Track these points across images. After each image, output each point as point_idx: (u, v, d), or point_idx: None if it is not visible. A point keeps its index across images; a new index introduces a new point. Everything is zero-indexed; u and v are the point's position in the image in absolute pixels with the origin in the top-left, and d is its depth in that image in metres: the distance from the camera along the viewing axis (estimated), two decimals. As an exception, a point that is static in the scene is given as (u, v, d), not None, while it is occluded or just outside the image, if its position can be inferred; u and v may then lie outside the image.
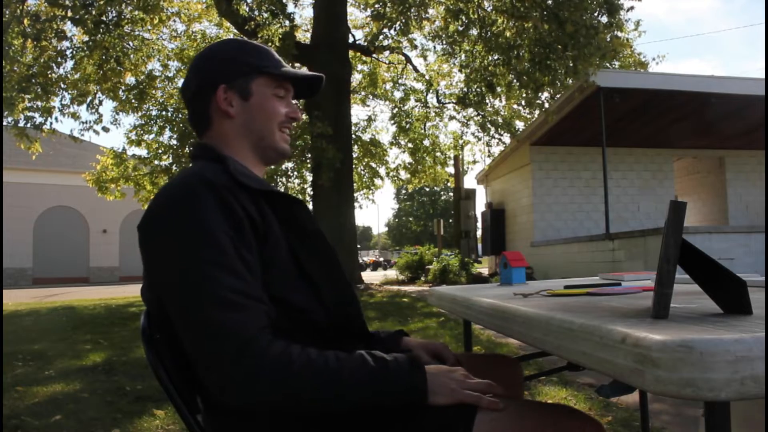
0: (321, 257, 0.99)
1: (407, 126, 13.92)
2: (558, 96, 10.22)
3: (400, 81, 13.93)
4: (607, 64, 8.52)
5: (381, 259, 37.05)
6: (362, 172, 14.87)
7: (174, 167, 10.90)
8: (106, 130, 10.83)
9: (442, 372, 0.89)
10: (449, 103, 13.13)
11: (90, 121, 10.25)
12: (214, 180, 0.91)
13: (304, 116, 11.14)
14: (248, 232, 0.89)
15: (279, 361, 0.80)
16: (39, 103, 9.24)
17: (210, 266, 0.83)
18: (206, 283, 0.82)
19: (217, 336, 0.80)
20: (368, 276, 18.85)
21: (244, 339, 0.80)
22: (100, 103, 10.10)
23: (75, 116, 9.65)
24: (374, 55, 12.25)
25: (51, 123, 9.50)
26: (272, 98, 1.07)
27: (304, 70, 1.14)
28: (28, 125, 9.40)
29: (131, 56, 10.21)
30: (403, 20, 9.48)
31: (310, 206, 9.81)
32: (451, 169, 16.05)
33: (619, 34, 9.14)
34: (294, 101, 1.14)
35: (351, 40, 10.99)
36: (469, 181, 29.21)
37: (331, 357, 0.84)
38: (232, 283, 0.83)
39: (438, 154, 14.85)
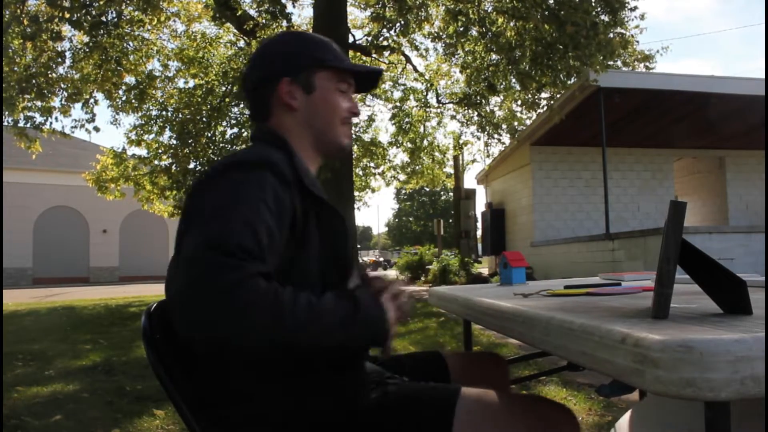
0: (344, 284, 0.98)
1: (407, 126, 13.92)
2: (558, 96, 10.22)
3: (399, 81, 13.92)
4: (611, 62, 8.49)
5: (381, 259, 37.02)
6: (360, 173, 14.87)
7: (174, 167, 10.89)
8: (97, 129, 10.77)
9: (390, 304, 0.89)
10: (449, 103, 13.13)
11: (83, 119, 10.22)
12: (277, 164, 0.90)
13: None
14: (286, 223, 0.88)
15: (266, 296, 0.75)
16: (39, 103, 9.24)
17: (238, 222, 0.80)
18: (227, 233, 0.79)
19: (211, 276, 0.74)
20: (368, 276, 18.83)
21: (233, 282, 0.74)
22: (96, 102, 10.08)
23: (65, 111, 9.58)
24: (374, 55, 12.24)
25: (51, 123, 9.50)
26: (335, 93, 1.08)
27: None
28: (28, 125, 9.39)
29: (131, 56, 10.20)
30: (403, 21, 9.47)
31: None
32: (449, 170, 16.05)
33: (623, 31, 9.10)
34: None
35: (351, 40, 10.99)
36: (469, 181, 29.18)
37: (311, 297, 0.81)
38: (248, 244, 0.78)
39: (437, 154, 14.85)
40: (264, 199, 0.84)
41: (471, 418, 0.87)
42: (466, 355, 1.40)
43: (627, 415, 1.55)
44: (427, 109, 13.46)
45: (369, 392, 0.93)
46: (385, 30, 10.40)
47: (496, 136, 11.96)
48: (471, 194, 16.15)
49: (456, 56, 10.60)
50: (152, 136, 11.26)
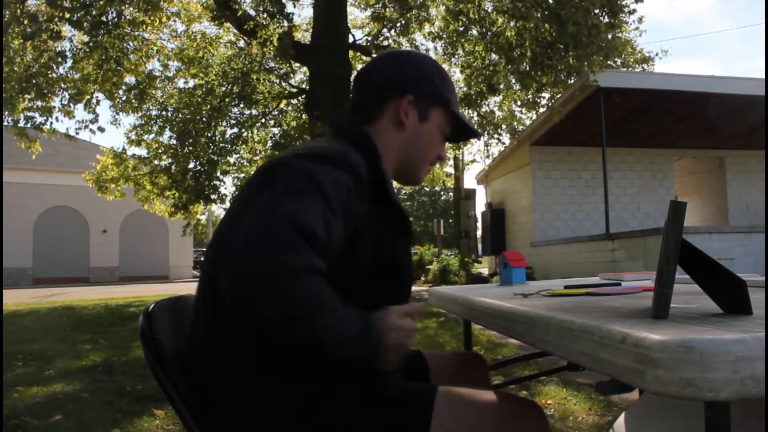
0: (389, 292, 0.98)
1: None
2: (558, 96, 10.22)
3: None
4: (611, 62, 8.49)
5: (381, 259, 36.91)
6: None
7: (174, 167, 10.89)
8: (102, 130, 10.74)
9: (398, 332, 0.89)
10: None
11: (86, 120, 10.22)
12: (359, 167, 0.92)
13: (303, 116, 11.14)
14: (350, 226, 0.89)
15: (317, 293, 0.78)
16: (39, 103, 9.23)
17: (316, 209, 0.82)
18: (303, 212, 0.81)
19: (281, 248, 0.77)
20: (368, 276, 18.83)
21: (297, 267, 0.77)
22: (98, 102, 10.07)
23: (69, 113, 9.58)
24: (374, 55, 12.22)
25: (51, 123, 9.50)
26: (438, 133, 1.11)
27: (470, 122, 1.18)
28: (28, 125, 9.39)
29: (131, 56, 10.20)
30: (403, 21, 9.47)
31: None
32: (449, 170, 16.05)
33: (621, 34, 9.10)
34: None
35: (351, 40, 10.98)
36: (469, 181, 29.15)
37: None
38: (319, 232, 0.81)
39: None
40: (339, 197, 0.86)
41: (448, 411, 0.88)
42: (447, 356, 1.41)
43: (622, 417, 1.55)
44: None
45: (369, 391, 0.93)
46: (385, 30, 10.40)
47: (496, 136, 11.96)
48: (471, 194, 16.16)
49: (456, 56, 10.59)
50: (152, 136, 11.25)
